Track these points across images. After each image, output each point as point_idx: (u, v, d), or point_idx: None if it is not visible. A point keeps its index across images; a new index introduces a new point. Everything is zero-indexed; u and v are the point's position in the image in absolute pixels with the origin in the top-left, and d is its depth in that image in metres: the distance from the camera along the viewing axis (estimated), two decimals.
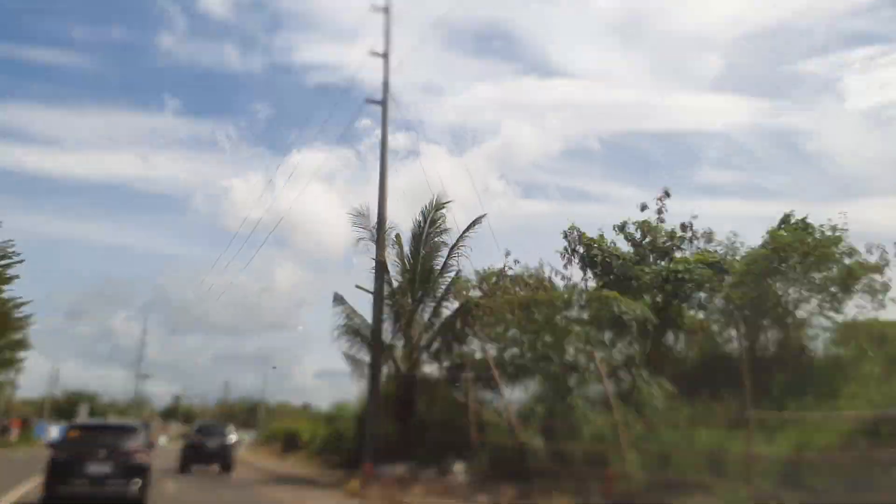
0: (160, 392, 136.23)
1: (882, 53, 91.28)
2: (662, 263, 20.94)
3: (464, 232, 22.75)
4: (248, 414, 78.48)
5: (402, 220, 25.03)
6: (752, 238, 20.56)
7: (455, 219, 23.40)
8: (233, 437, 28.71)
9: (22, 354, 45.87)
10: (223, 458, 27.13)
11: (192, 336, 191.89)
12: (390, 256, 23.59)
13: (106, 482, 13.56)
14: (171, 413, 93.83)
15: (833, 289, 16.37)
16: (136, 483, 13.77)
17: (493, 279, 23.50)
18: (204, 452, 26.98)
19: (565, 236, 22.06)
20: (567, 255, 22.06)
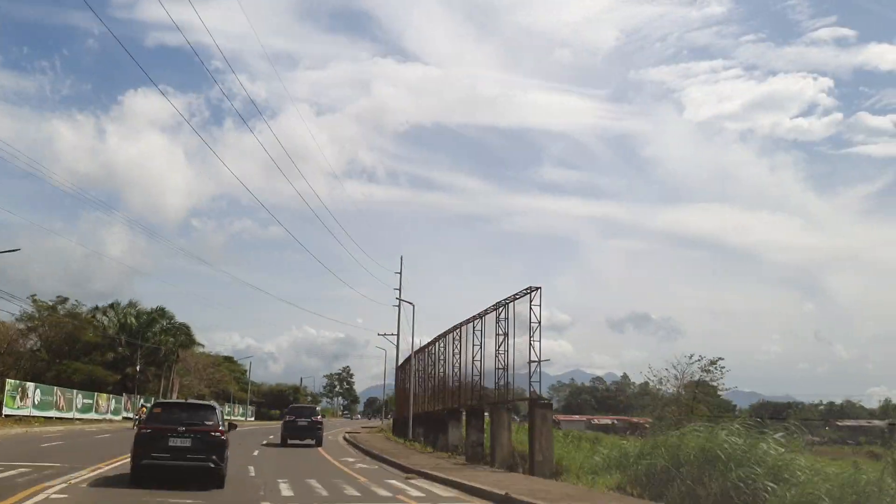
0: None
1: (724, 68, 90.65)
2: None
3: None
4: None
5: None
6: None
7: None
8: (320, 417, 34.32)
9: None
10: (313, 434, 32.27)
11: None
12: None
13: (186, 455, 14.54)
14: None
15: None
16: (213, 457, 14.70)
17: None
18: (298, 429, 32.30)
19: None
20: None
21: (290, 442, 32.16)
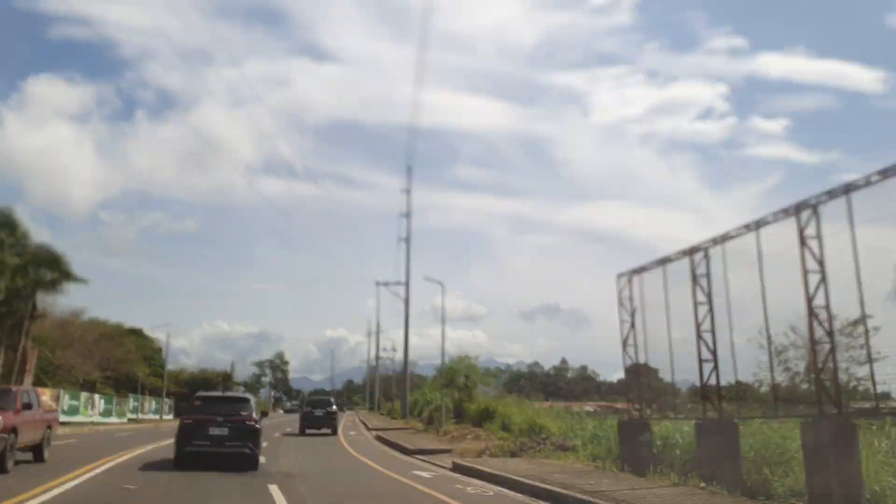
0: None
1: (628, 73, 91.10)
2: None
3: None
4: None
5: None
6: None
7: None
8: (335, 408, 36.28)
9: None
10: (329, 423, 35.00)
11: None
12: None
13: (224, 443, 16.01)
14: None
15: None
16: (249, 444, 16.15)
17: None
18: (315, 419, 34.73)
19: None
20: None
21: (307, 431, 34.08)
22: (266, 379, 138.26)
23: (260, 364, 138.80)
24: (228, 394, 19.05)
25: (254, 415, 16.89)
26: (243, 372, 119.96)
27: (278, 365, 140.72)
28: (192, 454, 15.93)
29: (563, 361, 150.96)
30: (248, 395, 18.90)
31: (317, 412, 35.04)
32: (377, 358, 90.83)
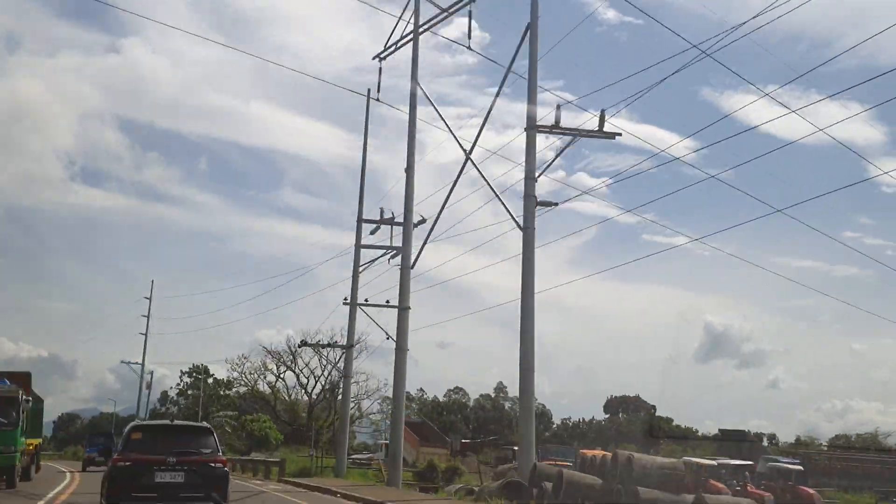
0: None
1: (469, 115, 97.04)
2: None
3: None
4: None
5: None
6: None
7: None
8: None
9: None
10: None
11: None
12: None
13: (178, 494, 11.12)
14: None
15: None
16: (214, 495, 11.32)
17: None
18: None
19: None
20: None
21: None
22: None
23: None
24: (181, 422, 14.05)
25: (219, 452, 12.06)
26: None
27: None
28: None
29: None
30: (206, 425, 13.84)
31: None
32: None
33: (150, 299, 52.48)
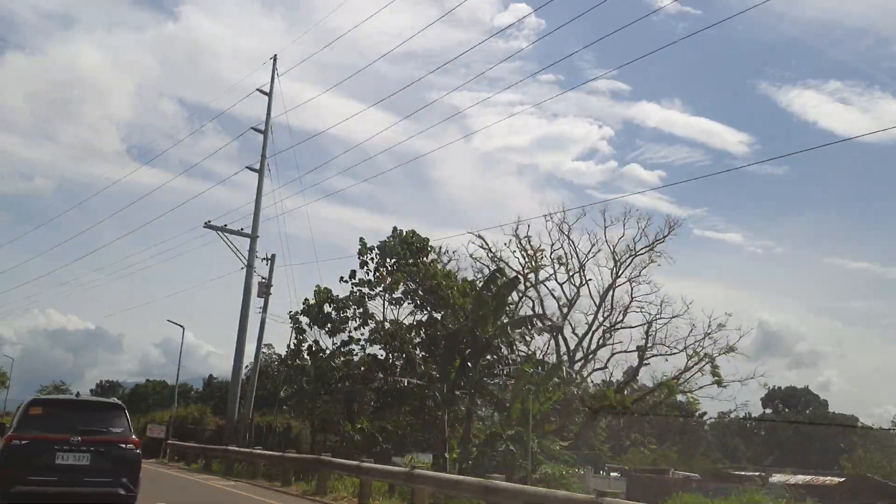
0: None
1: (520, 102, 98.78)
2: None
3: None
4: None
5: None
6: None
7: None
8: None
9: None
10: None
11: None
12: None
13: (83, 479, 9.95)
14: None
15: None
16: (123, 480, 10.21)
17: None
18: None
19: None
20: None
21: None
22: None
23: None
24: (88, 398, 12.67)
25: (131, 433, 10.90)
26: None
27: None
28: (25, 499, 9.72)
29: None
30: (117, 401, 12.53)
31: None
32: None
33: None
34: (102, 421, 10.78)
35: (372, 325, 26.86)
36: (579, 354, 33.68)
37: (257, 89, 30.85)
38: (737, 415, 50.08)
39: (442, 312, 24.60)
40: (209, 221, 28.97)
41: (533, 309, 32.73)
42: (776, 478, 42.27)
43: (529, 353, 26.83)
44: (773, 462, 63.13)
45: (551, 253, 34.02)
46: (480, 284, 24.32)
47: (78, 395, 13.58)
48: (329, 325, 27.59)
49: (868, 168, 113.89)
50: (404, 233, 27.93)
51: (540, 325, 25.09)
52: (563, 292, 34.25)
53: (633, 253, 33.78)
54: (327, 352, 28.02)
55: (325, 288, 28.04)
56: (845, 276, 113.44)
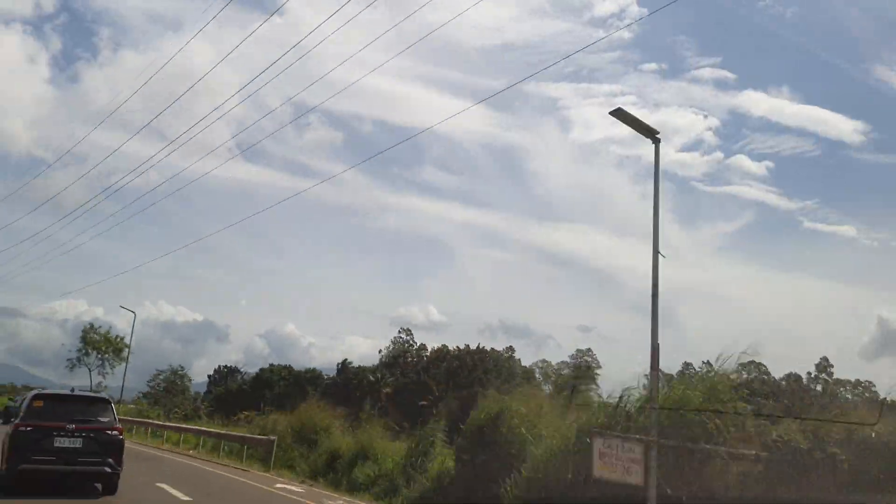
0: None
1: (622, 93, 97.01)
2: None
3: None
4: None
5: None
6: None
7: None
8: None
9: None
10: None
11: None
12: None
13: (77, 459, 12.37)
14: None
15: None
16: (109, 460, 12.62)
17: None
18: None
19: None
20: None
21: None
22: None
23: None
24: (81, 392, 15.13)
25: (116, 422, 13.33)
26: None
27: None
28: (29, 475, 12.15)
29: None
30: (105, 396, 15.04)
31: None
32: None
33: None
34: (93, 412, 13.22)
35: None
36: None
37: None
38: None
39: None
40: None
41: None
42: None
43: None
44: None
45: None
46: None
47: (73, 390, 15.52)
48: None
49: None
50: None
51: None
52: None
53: None
54: None
55: None
56: None
